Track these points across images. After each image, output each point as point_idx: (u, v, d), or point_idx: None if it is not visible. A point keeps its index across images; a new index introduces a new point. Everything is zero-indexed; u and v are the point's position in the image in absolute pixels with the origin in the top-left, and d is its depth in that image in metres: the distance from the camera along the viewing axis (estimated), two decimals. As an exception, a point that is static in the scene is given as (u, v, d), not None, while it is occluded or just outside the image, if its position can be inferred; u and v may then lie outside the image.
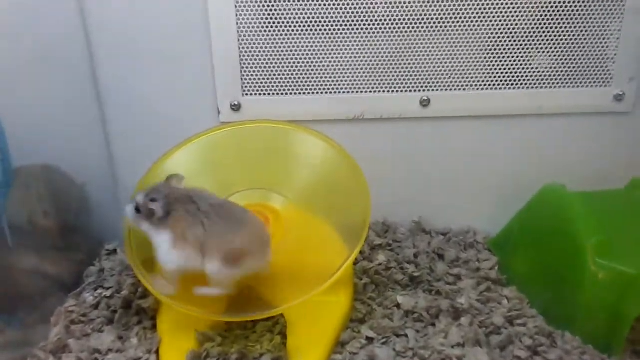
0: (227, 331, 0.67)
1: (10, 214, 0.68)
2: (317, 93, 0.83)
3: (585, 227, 0.68)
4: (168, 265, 0.64)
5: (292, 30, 0.79)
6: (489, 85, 0.83)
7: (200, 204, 0.63)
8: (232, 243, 0.62)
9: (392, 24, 0.79)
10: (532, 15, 0.79)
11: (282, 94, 0.82)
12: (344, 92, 0.83)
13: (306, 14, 0.78)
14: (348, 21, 0.79)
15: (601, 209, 0.72)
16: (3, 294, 0.69)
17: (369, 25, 0.79)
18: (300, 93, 0.82)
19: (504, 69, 0.82)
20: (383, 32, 0.79)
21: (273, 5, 0.77)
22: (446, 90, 0.83)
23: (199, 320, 0.66)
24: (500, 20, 0.79)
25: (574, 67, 0.82)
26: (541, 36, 0.80)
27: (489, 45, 0.80)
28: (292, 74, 0.81)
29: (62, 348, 0.66)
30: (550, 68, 0.82)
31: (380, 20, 0.79)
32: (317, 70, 0.81)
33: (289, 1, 0.77)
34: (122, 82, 0.82)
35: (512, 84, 0.83)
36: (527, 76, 0.82)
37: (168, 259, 0.63)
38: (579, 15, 0.79)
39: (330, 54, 0.80)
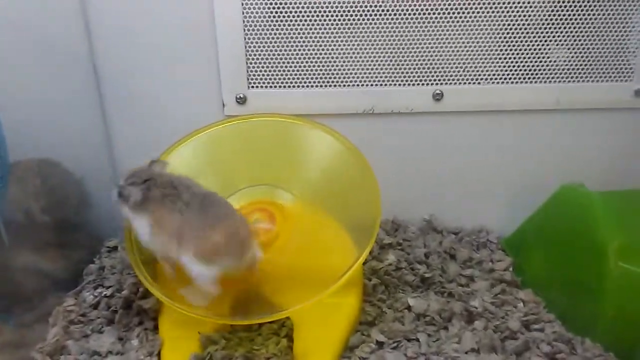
0: (231, 333, 0.65)
1: (5, 209, 0.66)
2: (326, 86, 0.80)
3: (607, 229, 0.65)
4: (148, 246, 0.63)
5: (300, 20, 0.76)
6: (505, 78, 0.80)
7: (182, 191, 0.61)
8: (206, 238, 0.60)
9: (403, 13, 0.76)
10: (549, 6, 0.76)
11: (289, 86, 0.80)
12: (353, 85, 0.80)
13: (315, 3, 0.75)
14: (358, 11, 0.76)
15: (623, 209, 0.69)
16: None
17: (379, 15, 0.76)
18: (308, 86, 0.80)
19: (520, 62, 0.79)
20: (394, 22, 0.76)
21: (281, -6, 0.75)
22: (460, 83, 0.80)
23: (202, 322, 0.63)
24: (516, 11, 0.76)
25: (593, 61, 0.79)
26: (559, 28, 0.77)
27: (504, 37, 0.78)
28: (300, 66, 0.79)
29: (60, 349, 0.64)
30: (568, 61, 0.79)
31: (391, 9, 0.76)
32: (325, 62, 0.78)
33: (298, -11, 0.74)
34: (123, 74, 0.80)
35: (529, 78, 0.80)
36: (544, 70, 0.79)
37: (148, 246, 0.62)
38: (599, 6, 0.76)
39: (339, 45, 0.78)
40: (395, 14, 0.76)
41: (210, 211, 0.61)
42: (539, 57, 0.79)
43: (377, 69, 0.79)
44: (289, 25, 0.76)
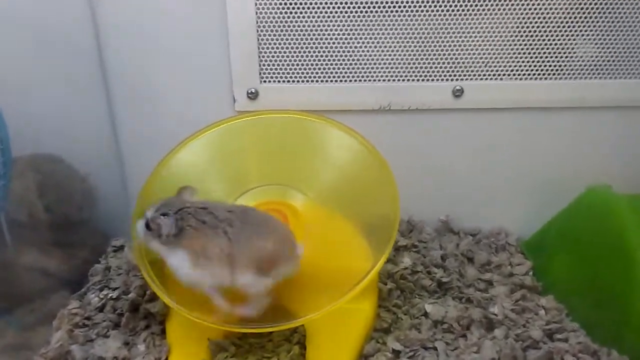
0: (241, 339, 0.62)
1: (8, 207, 0.64)
2: (341, 81, 0.77)
3: (635, 234, 0.62)
4: (188, 282, 0.57)
5: (315, 12, 0.73)
6: (528, 74, 0.76)
7: (217, 213, 0.57)
8: (262, 249, 0.57)
9: (422, 5, 0.72)
10: (576, -1, 0.72)
11: (302, 81, 0.76)
12: (369, 81, 0.77)
13: (331, -7, 0.72)
14: (374, 3, 0.72)
15: (653, 214, 0.66)
16: (1, 292, 0.65)
17: (396, 7, 0.73)
18: (322, 81, 0.77)
19: (545, 56, 0.75)
20: (412, 15, 0.73)
21: (295, -16, 0.71)
22: (481, 79, 0.77)
23: (211, 328, 0.60)
24: (541, 3, 0.72)
25: (620, 56, 0.75)
26: (586, 21, 0.74)
27: (528, 31, 0.74)
28: (314, 60, 0.75)
29: (64, 355, 0.61)
30: (595, 57, 0.76)
31: (409, 1, 0.72)
32: (340, 56, 0.75)
33: (313, -21, 0.71)
34: (131, 68, 0.77)
35: (553, 74, 0.76)
36: (569, 65, 0.76)
37: (190, 282, 0.57)
38: (628, -1, 0.72)
39: (355, 38, 0.74)
40: (413, 6, 0.72)
41: (255, 222, 0.58)
42: (564, 52, 0.75)
43: (394, 63, 0.76)
44: (303, 17, 0.73)
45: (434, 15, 0.73)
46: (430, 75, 0.76)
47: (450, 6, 0.72)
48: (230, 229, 0.56)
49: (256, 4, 0.72)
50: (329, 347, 0.61)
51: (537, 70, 0.76)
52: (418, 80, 0.77)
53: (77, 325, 0.66)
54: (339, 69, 0.76)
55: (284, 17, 0.73)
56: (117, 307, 0.68)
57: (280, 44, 0.75)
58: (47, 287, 0.70)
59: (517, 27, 0.74)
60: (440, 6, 0.72)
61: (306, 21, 0.73)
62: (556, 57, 0.75)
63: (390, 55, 0.75)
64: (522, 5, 0.72)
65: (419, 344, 0.63)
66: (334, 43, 0.75)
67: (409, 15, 0.73)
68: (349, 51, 0.75)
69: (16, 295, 0.67)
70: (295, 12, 0.73)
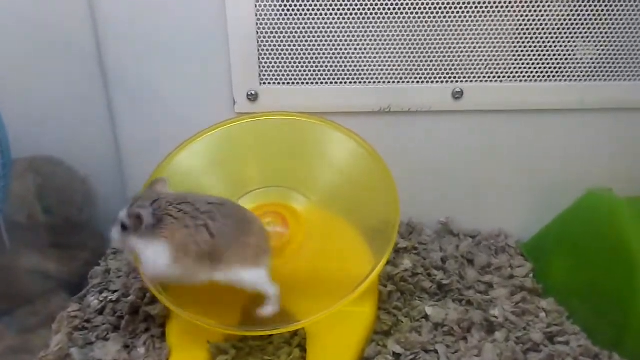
0: (242, 342, 0.62)
1: (8, 209, 0.64)
2: (341, 83, 0.77)
3: (637, 238, 0.61)
4: (162, 276, 0.55)
5: (315, 14, 0.73)
6: (528, 76, 0.76)
7: (198, 204, 0.55)
8: (248, 244, 0.56)
9: (422, 7, 0.72)
10: (576, 0, 0.72)
11: (302, 83, 0.76)
12: (369, 82, 0.77)
13: (331, -5, 0.71)
14: (374, 5, 0.72)
15: (654, 217, 0.66)
16: (1, 295, 0.65)
17: (396, 9, 0.72)
18: (322, 82, 0.76)
19: (544, 59, 0.75)
20: (412, 17, 0.73)
21: (295, -14, 0.71)
22: (481, 81, 0.77)
23: (211, 331, 0.60)
24: (541, 5, 0.72)
25: (621, 58, 0.75)
26: (586, 23, 0.74)
27: (528, 33, 0.74)
28: (314, 62, 0.75)
29: (64, 358, 0.61)
30: (595, 59, 0.75)
31: (409, 3, 0.72)
32: (340, 58, 0.75)
33: (313, -19, 0.71)
34: (130, 70, 0.77)
35: (553, 76, 0.76)
36: (569, 67, 0.76)
37: (166, 275, 0.54)
38: (628, 1, 0.72)
39: (355, 40, 0.74)
40: (413, 8, 0.72)
41: (238, 216, 0.56)
42: (564, 54, 0.75)
43: (394, 65, 0.76)
44: (303, 19, 0.73)
45: (434, 17, 0.73)
46: (430, 77, 0.76)
47: (450, 8, 0.72)
48: (212, 223, 0.54)
49: (256, 6, 0.72)
50: (330, 350, 0.61)
51: (536, 72, 0.76)
52: (418, 82, 0.76)
53: (76, 328, 0.65)
54: (339, 70, 0.76)
55: (283, 19, 0.73)
56: (117, 309, 0.67)
57: (280, 45, 0.74)
58: (46, 289, 0.70)
59: (517, 29, 0.74)
60: (440, 8, 0.72)
61: (306, 23, 0.73)
62: (556, 59, 0.75)
63: (390, 57, 0.75)
64: (522, 7, 0.72)
65: (420, 346, 0.63)
66: (333, 45, 0.74)
67: (409, 18, 0.73)
68: (348, 53, 0.75)
69: (16, 297, 0.67)
70: (295, 14, 0.73)
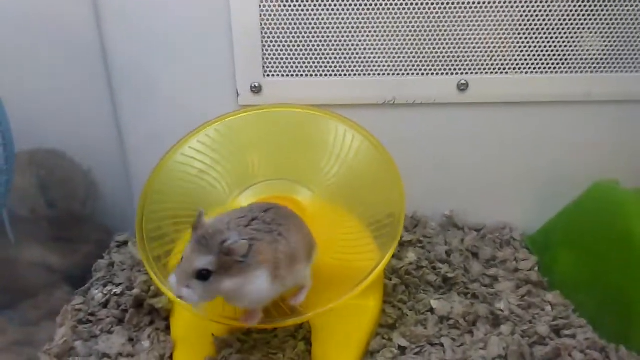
0: (246, 335, 0.62)
1: (11, 202, 0.63)
2: (345, 75, 0.76)
3: (644, 230, 0.61)
4: (264, 302, 0.54)
5: (319, 6, 0.72)
6: (533, 68, 0.76)
7: (262, 216, 0.53)
8: (305, 239, 0.57)
9: (428, -1, 0.72)
10: (583, -9, 0.71)
11: (306, 75, 0.76)
12: (373, 75, 0.76)
13: (335, -14, 0.71)
14: (380, -5, 0.71)
15: (661, 209, 0.65)
16: (4, 288, 0.65)
17: (400, 0, 0.72)
18: (326, 75, 0.76)
19: (550, 50, 0.75)
20: (417, 8, 0.72)
21: (299, -23, 0.70)
22: (486, 73, 0.76)
23: (215, 324, 0.60)
24: (548, -4, 0.71)
25: (627, 50, 0.75)
26: (592, 14, 0.73)
27: (534, 24, 0.73)
28: (318, 54, 0.75)
29: (68, 351, 0.61)
30: (602, 50, 0.75)
31: (416, -6, 0.71)
32: (344, 50, 0.75)
33: (317, -28, 0.70)
34: (133, 63, 0.76)
35: (559, 68, 0.76)
36: (575, 59, 0.75)
37: (269, 297, 0.53)
38: (636, -9, 0.71)
39: (359, 32, 0.74)
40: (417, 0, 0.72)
41: (287, 216, 0.56)
42: (570, 46, 0.74)
43: (398, 57, 0.75)
44: (307, 10, 0.72)
45: (439, 9, 0.72)
46: (435, 69, 0.76)
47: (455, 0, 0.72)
48: (281, 228, 0.53)
49: (260, -3, 0.71)
50: (335, 344, 0.61)
51: (542, 64, 0.75)
52: (423, 74, 0.76)
53: (80, 321, 0.65)
54: (343, 63, 0.75)
55: (287, 11, 0.72)
56: (121, 303, 0.67)
57: (283, 37, 0.74)
58: (50, 282, 0.70)
59: (522, 20, 0.73)
60: (445, 0, 0.71)
61: (310, 15, 0.72)
62: (562, 50, 0.75)
63: (394, 49, 0.75)
64: (529, -2, 0.72)
65: (425, 340, 0.63)
66: (337, 37, 0.74)
67: (414, 9, 0.72)
68: (352, 45, 0.74)
69: (19, 291, 0.66)
70: (299, 6, 0.72)
